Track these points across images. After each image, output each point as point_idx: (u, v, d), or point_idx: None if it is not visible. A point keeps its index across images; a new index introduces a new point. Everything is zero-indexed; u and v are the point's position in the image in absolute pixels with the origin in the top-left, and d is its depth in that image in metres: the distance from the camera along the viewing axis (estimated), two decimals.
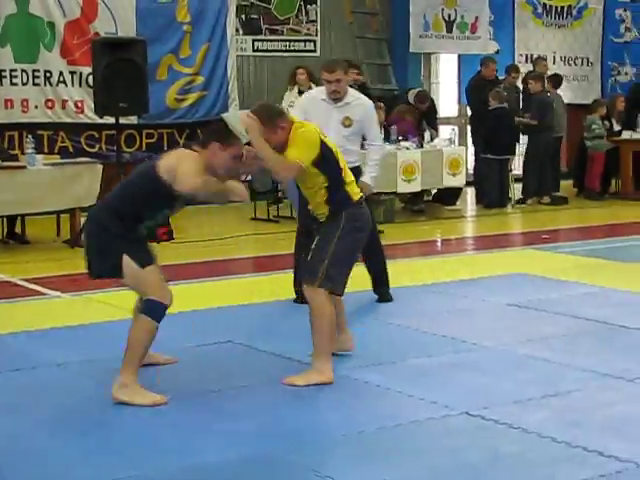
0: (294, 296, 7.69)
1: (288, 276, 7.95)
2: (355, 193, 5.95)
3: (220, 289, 8.59)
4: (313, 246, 5.84)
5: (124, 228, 5.44)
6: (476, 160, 14.71)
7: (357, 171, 7.21)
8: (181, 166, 5.34)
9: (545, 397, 5.44)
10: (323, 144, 5.81)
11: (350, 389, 5.69)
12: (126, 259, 5.42)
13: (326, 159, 5.79)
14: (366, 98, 7.80)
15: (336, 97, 7.38)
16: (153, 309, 5.44)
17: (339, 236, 5.79)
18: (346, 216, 5.84)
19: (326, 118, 7.31)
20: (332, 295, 5.83)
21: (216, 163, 5.46)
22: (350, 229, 5.84)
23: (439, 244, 11.64)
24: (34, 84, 13.32)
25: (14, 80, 13.19)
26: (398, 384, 5.68)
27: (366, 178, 7.52)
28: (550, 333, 6.85)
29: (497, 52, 16.62)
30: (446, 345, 6.59)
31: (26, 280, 8.97)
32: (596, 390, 5.61)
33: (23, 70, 13.22)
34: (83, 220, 10.73)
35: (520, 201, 14.44)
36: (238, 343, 6.62)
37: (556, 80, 15.14)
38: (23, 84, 13.25)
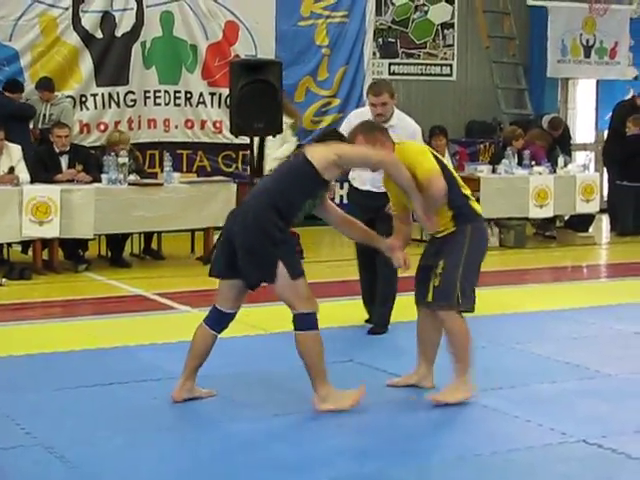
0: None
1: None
2: (477, 206, 5.90)
3: (345, 309, 8.59)
4: (440, 269, 5.71)
5: (281, 231, 5.41)
6: (610, 186, 14.42)
7: None
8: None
9: None
10: (435, 157, 5.79)
11: (468, 412, 5.64)
12: (281, 267, 5.41)
13: (444, 172, 5.74)
14: (412, 121, 7.57)
15: (381, 120, 7.18)
16: (307, 322, 5.45)
17: (467, 253, 5.71)
18: (472, 230, 5.77)
19: None
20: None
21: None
22: (477, 242, 5.78)
23: (570, 270, 11.44)
24: (175, 104, 13.62)
25: (157, 101, 13.52)
26: (517, 409, 5.60)
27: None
28: None
29: (636, 78, 16.32)
30: (569, 372, 6.48)
31: (159, 294, 9.16)
32: None
33: (166, 91, 13.54)
34: (216, 238, 10.94)
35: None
36: (358, 362, 6.62)
37: None
38: (165, 104, 13.56)
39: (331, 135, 6.00)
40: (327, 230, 11.24)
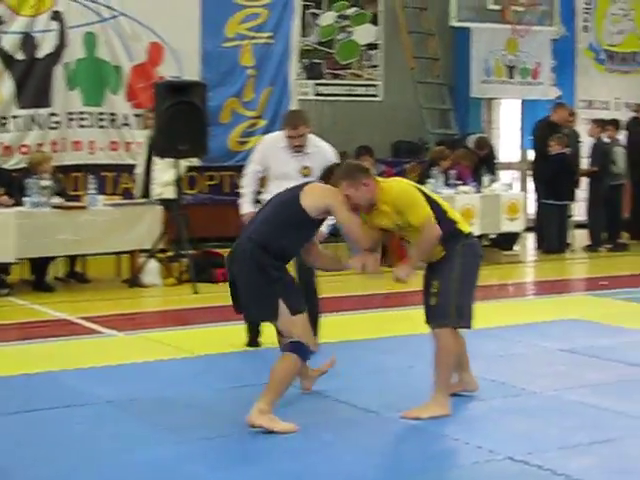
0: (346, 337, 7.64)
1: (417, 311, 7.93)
2: (465, 227, 6.01)
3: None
4: (434, 289, 5.89)
5: (279, 269, 5.61)
6: (537, 205, 14.61)
7: None
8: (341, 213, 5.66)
9: (592, 444, 5.34)
10: (419, 189, 5.90)
11: (397, 432, 5.65)
12: (281, 304, 5.59)
13: (431, 206, 5.81)
14: (327, 146, 7.62)
15: (299, 150, 7.38)
16: (301, 350, 5.63)
17: (460, 271, 5.87)
18: (462, 248, 5.90)
19: (286, 166, 7.39)
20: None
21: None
22: (469, 259, 5.93)
23: (495, 289, 11.52)
24: (99, 126, 13.51)
25: (82, 123, 13.40)
26: (444, 428, 5.61)
27: (323, 227, 6.64)
28: (601, 380, 6.74)
29: (558, 98, 16.55)
30: (495, 389, 6.51)
31: (84, 318, 9.05)
32: None
33: (90, 113, 13.43)
34: (142, 260, 10.88)
35: (588, 248, 14.26)
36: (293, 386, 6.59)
37: (616, 126, 14.98)
38: (90, 126, 13.45)
39: (329, 174, 6.00)
40: None
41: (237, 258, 5.65)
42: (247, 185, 7.74)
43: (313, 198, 5.68)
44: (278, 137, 7.61)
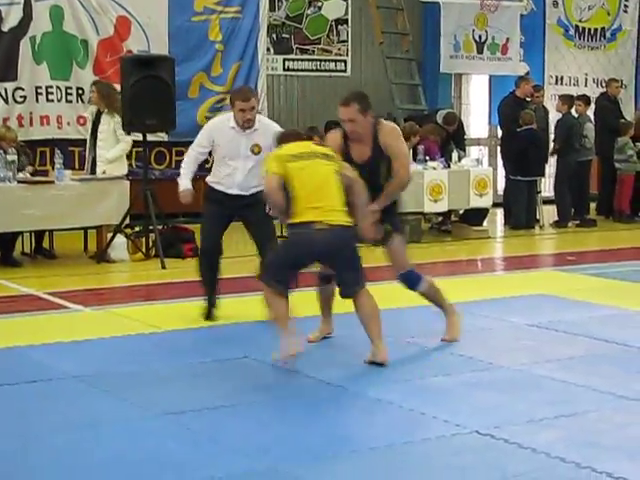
0: (313, 312, 7.65)
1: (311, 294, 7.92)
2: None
3: (246, 305, 8.56)
4: (344, 262, 6.37)
5: None
6: (506, 181, 14.65)
7: (260, 196, 7.10)
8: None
9: (558, 417, 5.38)
10: None
11: (363, 406, 5.67)
12: None
13: None
14: (273, 123, 7.83)
15: (249, 125, 7.51)
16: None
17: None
18: None
19: (236, 146, 7.56)
20: None
21: None
22: None
23: (464, 264, 11.57)
24: (67, 101, 13.42)
25: (50, 97, 13.30)
26: (411, 402, 5.63)
27: None
28: (568, 354, 6.79)
29: (527, 74, 16.53)
30: (463, 364, 6.54)
31: (51, 294, 9.01)
32: (611, 412, 5.54)
33: (58, 87, 13.33)
34: (109, 235, 10.80)
35: (556, 224, 14.32)
36: (253, 359, 6.61)
37: (585, 101, 15.01)
38: (58, 101, 13.35)
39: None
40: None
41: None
42: (188, 164, 7.91)
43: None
44: (225, 118, 7.75)
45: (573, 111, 14.71)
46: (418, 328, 7.53)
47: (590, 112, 15.25)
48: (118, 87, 12.05)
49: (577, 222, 14.42)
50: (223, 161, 7.67)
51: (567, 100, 14.77)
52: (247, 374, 6.28)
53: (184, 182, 7.85)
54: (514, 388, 5.98)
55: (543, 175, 14.50)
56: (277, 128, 7.61)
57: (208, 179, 7.85)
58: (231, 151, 7.57)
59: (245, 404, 5.62)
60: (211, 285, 7.88)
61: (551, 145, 14.67)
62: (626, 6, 18.38)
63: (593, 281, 9.79)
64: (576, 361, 6.63)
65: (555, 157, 14.65)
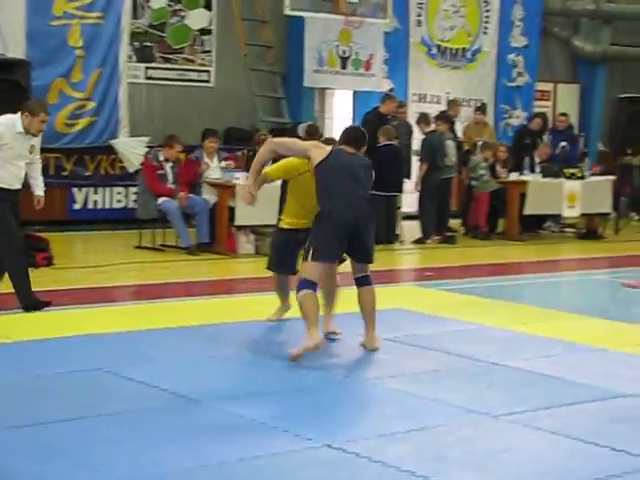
0: (168, 325, 7.61)
1: (164, 305, 7.88)
2: None
3: (96, 316, 8.44)
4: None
5: None
6: None
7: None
8: None
9: (410, 431, 5.45)
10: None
11: (214, 420, 5.63)
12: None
13: None
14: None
15: (37, 134, 8.45)
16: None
17: None
18: None
19: (22, 148, 8.40)
20: None
21: None
22: None
23: None
24: None
25: None
26: (262, 416, 5.62)
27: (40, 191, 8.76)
28: (421, 368, 6.88)
29: (391, 90, 16.79)
30: (317, 379, 6.56)
31: None
32: (461, 426, 5.64)
33: None
34: None
35: (419, 240, 14.49)
36: (106, 371, 6.51)
37: (445, 119, 15.27)
38: None
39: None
40: (79, 236, 11.07)
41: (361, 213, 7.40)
42: None
43: None
44: (11, 121, 8.36)
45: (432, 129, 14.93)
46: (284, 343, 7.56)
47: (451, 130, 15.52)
48: None
49: (437, 238, 14.62)
50: (9, 161, 8.37)
51: (424, 119, 15.03)
52: (98, 387, 6.18)
53: None
54: (367, 402, 6.06)
55: (401, 191, 14.65)
56: None
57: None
58: (18, 152, 8.39)
59: (94, 417, 5.52)
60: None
61: (417, 165, 14.90)
62: (486, 28, 18.82)
63: (448, 296, 9.95)
64: (428, 375, 6.73)
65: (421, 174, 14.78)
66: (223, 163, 12.94)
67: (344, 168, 7.30)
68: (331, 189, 7.23)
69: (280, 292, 8.16)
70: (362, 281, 7.48)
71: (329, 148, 7.43)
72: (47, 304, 8.35)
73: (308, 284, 7.02)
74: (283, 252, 7.92)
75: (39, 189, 8.78)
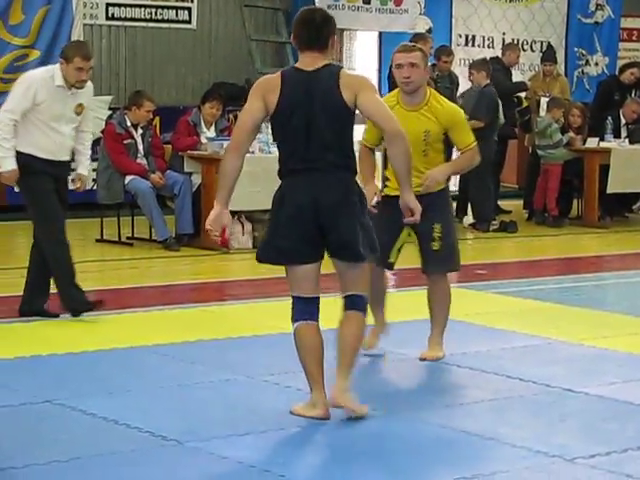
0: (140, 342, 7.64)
1: (133, 316, 7.90)
2: None
3: (43, 332, 8.46)
4: (437, 233, 7.45)
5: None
6: None
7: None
8: None
9: None
10: None
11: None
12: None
13: None
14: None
15: (80, 87, 8.45)
16: (366, 305, 6.41)
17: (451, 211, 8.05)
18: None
19: (63, 107, 8.43)
20: None
21: None
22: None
23: None
24: None
25: None
26: (252, 459, 5.68)
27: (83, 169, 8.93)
28: (474, 397, 6.93)
29: (429, 31, 16.76)
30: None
31: None
32: (527, 472, 5.63)
33: None
34: None
35: (477, 227, 14.47)
36: (59, 403, 6.52)
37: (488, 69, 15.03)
38: None
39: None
40: (20, 226, 11.09)
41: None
42: (10, 136, 8.36)
43: None
44: (49, 73, 8.34)
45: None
46: None
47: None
48: None
49: (496, 226, 14.53)
50: (44, 124, 8.37)
51: (482, 66, 14.82)
52: (47, 425, 6.20)
53: (10, 161, 8.39)
54: (401, 442, 6.04)
55: None
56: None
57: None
58: (56, 112, 8.40)
59: (41, 466, 5.53)
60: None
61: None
62: None
63: (507, 302, 10.02)
64: (484, 406, 6.76)
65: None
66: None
67: (297, 108, 6.00)
68: (280, 154, 6.23)
69: (374, 300, 7.21)
70: (348, 302, 6.33)
71: (277, 75, 6.16)
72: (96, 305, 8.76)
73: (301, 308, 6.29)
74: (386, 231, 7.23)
75: (82, 166, 8.92)
